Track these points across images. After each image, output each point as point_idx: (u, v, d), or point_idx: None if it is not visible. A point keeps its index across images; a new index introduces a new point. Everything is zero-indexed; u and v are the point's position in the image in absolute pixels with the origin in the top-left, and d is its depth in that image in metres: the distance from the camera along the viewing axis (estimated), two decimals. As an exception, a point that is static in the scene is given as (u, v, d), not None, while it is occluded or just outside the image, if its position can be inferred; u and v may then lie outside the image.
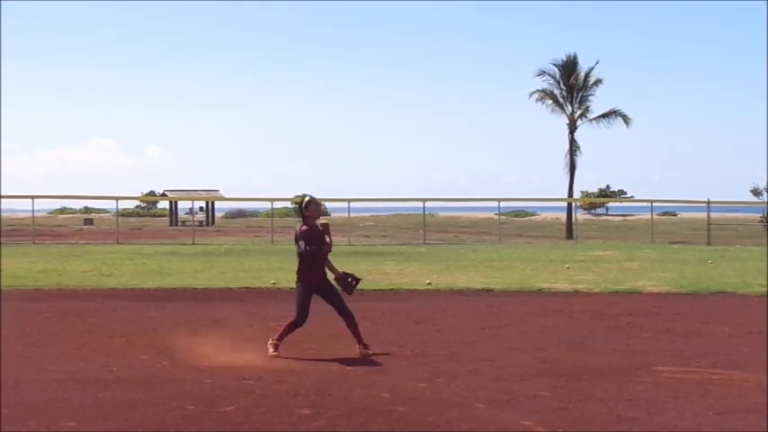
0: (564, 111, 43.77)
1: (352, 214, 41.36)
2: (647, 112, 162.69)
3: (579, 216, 48.95)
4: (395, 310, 12.20)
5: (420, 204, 38.30)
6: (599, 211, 71.33)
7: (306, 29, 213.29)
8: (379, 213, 67.75)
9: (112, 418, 6.07)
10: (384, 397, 6.72)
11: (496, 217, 41.79)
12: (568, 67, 43.66)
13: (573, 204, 42.75)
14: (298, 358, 8.34)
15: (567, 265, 20.04)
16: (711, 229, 34.26)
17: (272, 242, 31.21)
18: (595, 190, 72.82)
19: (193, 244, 31.48)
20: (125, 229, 43.45)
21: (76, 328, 10.40)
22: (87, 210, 77.90)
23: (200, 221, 54.51)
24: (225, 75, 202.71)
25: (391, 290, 14.95)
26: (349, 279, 8.82)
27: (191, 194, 55.39)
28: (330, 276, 8.75)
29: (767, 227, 40.17)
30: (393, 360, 8.34)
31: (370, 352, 8.53)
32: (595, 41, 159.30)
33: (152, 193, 72.15)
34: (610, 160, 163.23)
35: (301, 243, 8.41)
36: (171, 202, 61.10)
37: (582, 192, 67.10)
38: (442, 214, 65.61)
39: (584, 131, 54.36)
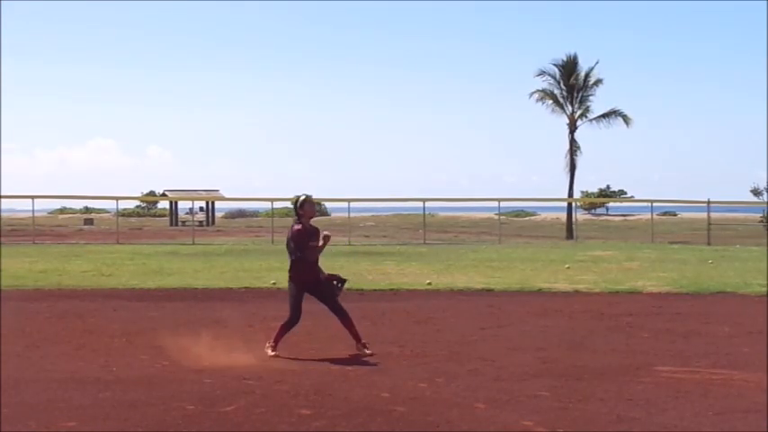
0: (564, 111, 43.81)
1: (352, 214, 41.32)
2: (647, 112, 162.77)
3: (579, 216, 48.96)
4: (395, 310, 12.20)
5: (420, 204, 38.29)
6: (599, 211, 71.29)
7: (306, 29, 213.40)
8: (379, 213, 67.71)
9: (112, 418, 6.07)
10: (384, 397, 6.72)
11: (496, 217, 41.80)
12: (568, 67, 43.68)
13: (573, 204, 42.78)
14: (298, 358, 8.35)
15: (567, 265, 20.05)
16: (711, 229, 34.26)
17: (272, 242, 31.18)
18: (595, 190, 72.78)
19: (193, 244, 31.47)
20: (125, 229, 43.46)
21: (76, 328, 10.40)
22: (87, 210, 77.87)
23: (201, 221, 54.52)
24: (225, 75, 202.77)
25: (391, 290, 14.95)
26: (335, 282, 8.69)
27: (191, 194, 55.38)
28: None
29: (767, 227, 40.19)
30: (393, 360, 8.33)
31: (368, 351, 8.51)
32: (595, 41, 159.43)
33: (152, 193, 72.15)
34: (610, 160, 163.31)
35: (292, 246, 8.41)
36: (171, 202, 61.11)
37: (582, 192, 67.12)
38: (442, 214, 65.57)
39: (584, 131, 54.35)
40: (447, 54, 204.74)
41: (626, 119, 43.74)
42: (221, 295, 14.26)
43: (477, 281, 16.38)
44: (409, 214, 58.88)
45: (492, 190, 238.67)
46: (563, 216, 46.25)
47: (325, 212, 67.68)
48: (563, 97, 43.82)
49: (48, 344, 9.31)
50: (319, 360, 8.31)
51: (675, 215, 64.91)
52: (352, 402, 6.53)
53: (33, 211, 37.78)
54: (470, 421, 6.03)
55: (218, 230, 48.16)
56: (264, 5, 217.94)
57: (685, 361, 8.27)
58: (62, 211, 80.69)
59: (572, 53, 43.88)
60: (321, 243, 8.54)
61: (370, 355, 8.45)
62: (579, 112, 43.64)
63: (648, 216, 42.85)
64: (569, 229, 40.61)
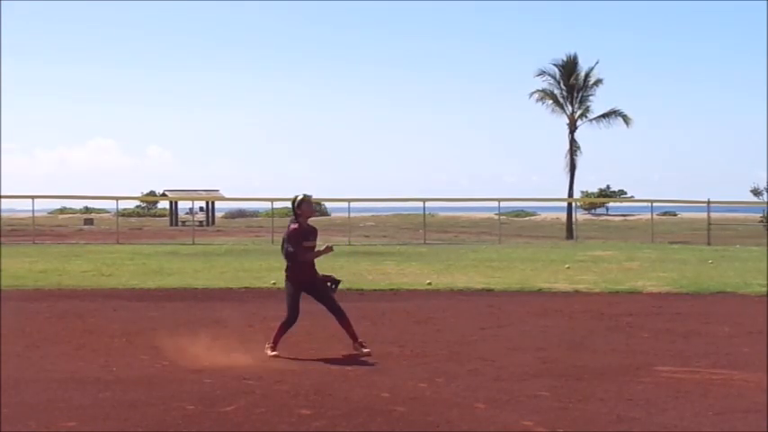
0: (564, 111, 43.80)
1: (352, 214, 41.32)
2: (647, 112, 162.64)
3: (579, 216, 48.95)
4: (395, 310, 12.20)
5: (420, 204, 38.29)
6: (599, 211, 71.27)
7: (306, 29, 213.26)
8: (379, 213, 67.67)
9: (112, 418, 6.07)
10: (384, 397, 6.72)
11: (496, 217, 41.79)
12: (568, 67, 43.66)
13: (573, 204, 42.77)
14: (297, 358, 8.35)
15: (567, 265, 20.05)
16: (711, 229, 34.26)
17: (272, 242, 31.15)
18: (595, 190, 72.74)
19: (193, 244, 31.48)
20: (125, 229, 43.46)
21: (76, 328, 10.40)
22: (87, 210, 77.86)
23: (201, 221, 54.52)
24: (225, 75, 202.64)
25: (391, 290, 14.95)
26: (329, 283, 8.70)
27: (191, 194, 55.40)
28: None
29: (767, 227, 40.19)
30: (393, 360, 8.33)
31: (366, 350, 8.50)
32: (595, 41, 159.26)
33: (152, 193, 72.15)
34: (610, 160, 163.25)
35: (288, 246, 8.41)
36: (171, 202, 61.10)
37: (582, 192, 67.09)
38: (442, 214, 65.55)
39: (584, 131, 54.38)
40: (447, 54, 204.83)
41: (626, 119, 43.76)
42: (221, 295, 14.26)
43: (477, 281, 16.38)
44: (409, 214, 58.87)
45: (492, 190, 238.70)
46: (563, 216, 46.24)
47: (325, 212, 67.68)
48: (563, 97, 43.82)
49: (48, 344, 9.31)
50: (319, 360, 8.31)
51: (675, 215, 64.88)
52: (352, 402, 6.53)
53: (33, 211, 37.79)
54: (470, 421, 6.03)
55: (218, 230, 48.16)
56: (264, 5, 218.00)
57: (685, 361, 8.27)
58: (62, 211, 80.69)
59: (572, 53, 43.94)
60: (319, 249, 8.57)
61: (368, 354, 8.44)
62: (579, 112, 43.64)
63: (648, 216, 42.85)
64: (569, 229, 40.61)
